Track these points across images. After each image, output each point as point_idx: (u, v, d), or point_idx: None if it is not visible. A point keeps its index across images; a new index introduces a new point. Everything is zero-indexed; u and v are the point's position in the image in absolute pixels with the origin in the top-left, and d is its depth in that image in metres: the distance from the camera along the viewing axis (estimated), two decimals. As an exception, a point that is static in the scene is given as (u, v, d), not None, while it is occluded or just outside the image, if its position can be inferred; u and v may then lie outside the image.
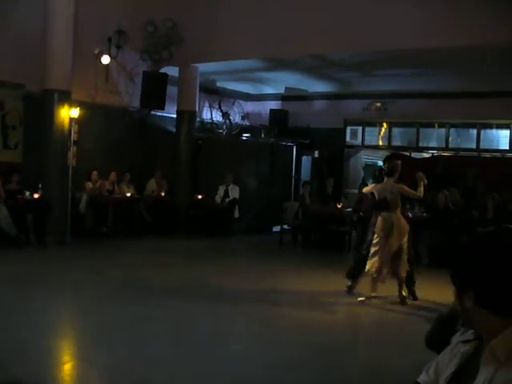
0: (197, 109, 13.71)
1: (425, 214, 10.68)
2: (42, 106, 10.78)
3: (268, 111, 15.54)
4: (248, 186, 13.59)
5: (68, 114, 10.89)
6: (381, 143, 15.39)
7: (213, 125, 15.01)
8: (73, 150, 11.09)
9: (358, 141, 15.50)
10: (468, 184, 11.95)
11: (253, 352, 5.29)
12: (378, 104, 14.61)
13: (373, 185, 7.93)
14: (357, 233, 11.30)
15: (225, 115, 15.14)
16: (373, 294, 7.41)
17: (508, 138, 13.62)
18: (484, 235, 1.53)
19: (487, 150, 13.91)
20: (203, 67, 13.02)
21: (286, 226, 12.67)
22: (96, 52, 11.89)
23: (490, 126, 14.00)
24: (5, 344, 5.08)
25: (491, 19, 8.89)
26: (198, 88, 13.39)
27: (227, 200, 13.05)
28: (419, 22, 9.61)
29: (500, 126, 13.92)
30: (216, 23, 12.11)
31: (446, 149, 14.40)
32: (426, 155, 14.98)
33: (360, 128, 15.39)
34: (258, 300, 7.27)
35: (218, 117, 15.13)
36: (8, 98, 10.81)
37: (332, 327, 6.36)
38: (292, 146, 15.15)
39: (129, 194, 12.18)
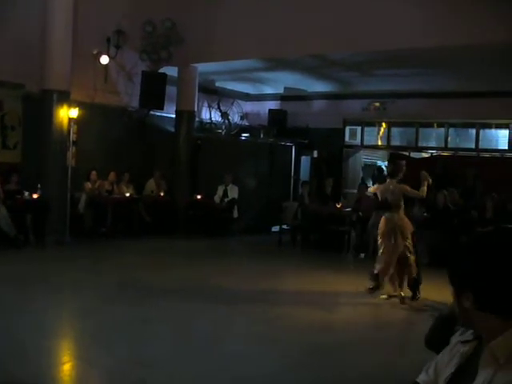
0: (196, 109, 13.71)
1: (425, 214, 10.68)
2: (41, 106, 10.77)
3: (267, 111, 15.53)
4: (247, 186, 13.59)
5: (67, 114, 10.88)
6: (380, 143, 15.39)
7: (212, 125, 15.00)
8: (72, 150, 11.08)
9: (357, 141, 15.50)
10: (467, 184, 11.95)
11: (253, 352, 5.29)
12: (377, 104, 14.61)
13: (376, 185, 7.95)
14: (356, 233, 11.31)
15: (224, 115, 15.14)
16: (393, 294, 7.42)
17: (507, 138, 13.62)
18: (483, 235, 1.51)
19: (486, 150, 13.91)
20: (202, 67, 13.01)
21: (285, 226, 12.66)
22: (95, 52, 11.88)
23: (489, 126, 14.00)
24: (4, 344, 5.07)
25: (491, 19, 8.89)
26: (197, 88, 13.39)
27: (226, 200, 13.04)
28: (419, 22, 9.60)
29: (499, 126, 13.92)
30: (215, 23, 12.11)
31: (445, 149, 14.40)
32: (425, 155, 14.97)
33: (359, 128, 15.39)
34: (257, 300, 7.26)
35: (217, 117, 15.12)
36: (7, 99, 10.80)
37: (332, 327, 6.36)
38: (291, 146, 15.14)
39: (128, 194, 12.17)
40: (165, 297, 7.10)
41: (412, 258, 7.30)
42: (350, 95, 14.91)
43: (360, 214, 11.31)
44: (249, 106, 16.17)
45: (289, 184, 15.00)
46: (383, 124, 15.09)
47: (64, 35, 10.74)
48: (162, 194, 12.90)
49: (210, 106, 14.99)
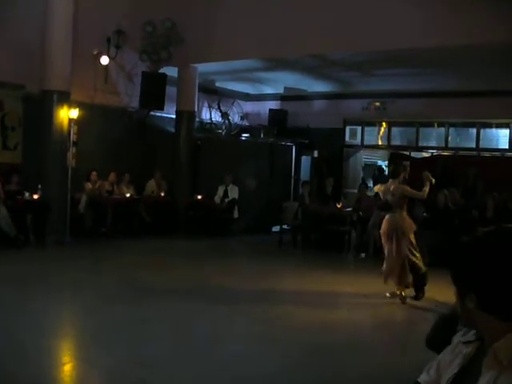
0: (196, 109, 13.71)
1: (424, 214, 10.67)
2: (41, 106, 10.78)
3: (267, 111, 15.54)
4: (247, 186, 13.58)
5: (67, 114, 10.89)
6: (380, 143, 15.39)
7: (212, 125, 15.01)
8: (72, 150, 11.08)
9: (358, 140, 15.50)
10: (468, 183, 11.95)
11: (253, 352, 5.29)
12: (378, 103, 14.61)
13: (379, 185, 7.96)
14: (356, 233, 11.31)
15: (224, 115, 15.14)
16: (398, 292, 7.43)
17: (507, 138, 13.62)
18: (485, 235, 1.50)
19: (487, 150, 13.90)
20: (202, 67, 13.01)
21: (285, 226, 12.65)
22: (95, 53, 11.88)
23: (490, 126, 14.00)
24: (4, 344, 5.08)
25: (491, 19, 8.88)
26: (197, 88, 13.39)
27: (226, 200, 13.05)
28: (419, 22, 9.60)
29: (499, 126, 13.91)
30: (215, 23, 12.11)
31: (446, 148, 14.40)
32: (425, 155, 14.97)
33: (359, 128, 15.39)
34: (257, 300, 7.27)
35: (217, 117, 15.12)
36: (7, 99, 10.81)
37: (333, 327, 6.34)
38: (291, 146, 15.14)
39: (128, 195, 12.17)
40: (165, 297, 7.10)
41: (414, 258, 7.30)
42: (351, 95, 14.91)
43: (360, 213, 11.31)
44: (249, 106, 16.17)
45: (289, 184, 15.00)
46: (383, 124, 15.08)
47: (64, 36, 10.75)
48: (162, 195, 12.91)
49: (210, 107, 14.99)
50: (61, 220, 10.75)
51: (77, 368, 4.85)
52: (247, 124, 15.74)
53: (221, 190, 13.13)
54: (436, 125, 14.62)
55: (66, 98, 10.88)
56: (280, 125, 15.22)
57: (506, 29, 8.72)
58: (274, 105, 15.90)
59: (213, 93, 15.06)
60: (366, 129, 15.32)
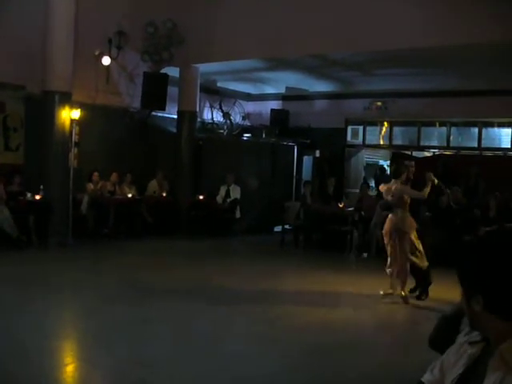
0: (197, 109, 13.71)
1: (426, 214, 10.66)
2: (43, 107, 10.80)
3: (269, 111, 15.55)
4: (249, 186, 13.59)
5: (69, 115, 10.91)
6: (382, 142, 15.38)
7: (214, 125, 15.02)
8: (74, 151, 11.11)
9: (359, 140, 15.49)
10: (470, 183, 11.94)
11: (253, 352, 5.30)
12: (379, 103, 14.60)
13: (383, 185, 7.97)
14: (358, 232, 11.31)
15: (226, 115, 15.14)
16: (390, 292, 7.43)
17: (509, 137, 13.58)
18: (487, 235, 1.50)
19: (489, 149, 13.87)
20: (204, 67, 13.02)
21: (287, 226, 12.66)
22: (96, 53, 11.91)
23: (492, 125, 13.96)
24: (5, 345, 5.10)
25: (491, 19, 8.88)
26: (198, 88, 13.39)
27: (228, 200, 13.06)
28: (419, 22, 9.59)
29: (501, 125, 13.87)
30: (216, 23, 12.12)
31: (448, 147, 14.37)
32: (427, 154, 14.96)
33: (361, 127, 15.37)
34: (258, 300, 7.27)
35: (218, 117, 15.13)
36: (9, 100, 10.84)
37: (333, 327, 6.35)
38: (293, 146, 15.15)
39: (130, 195, 12.19)
40: (165, 297, 7.11)
41: (413, 258, 7.30)
42: (352, 95, 14.90)
43: (362, 213, 11.32)
44: (250, 106, 16.18)
45: (291, 184, 15.01)
46: (385, 123, 15.07)
47: (65, 36, 10.76)
48: (164, 195, 12.92)
49: (211, 107, 15.00)
50: (63, 221, 10.76)
51: (79, 369, 4.86)
52: (249, 124, 15.74)
53: (223, 190, 13.15)
54: (438, 124, 14.60)
55: (67, 99, 10.90)
56: (282, 125, 15.23)
57: (506, 28, 8.71)
58: (275, 105, 15.90)
59: (214, 93, 15.07)
60: (368, 128, 15.30)
